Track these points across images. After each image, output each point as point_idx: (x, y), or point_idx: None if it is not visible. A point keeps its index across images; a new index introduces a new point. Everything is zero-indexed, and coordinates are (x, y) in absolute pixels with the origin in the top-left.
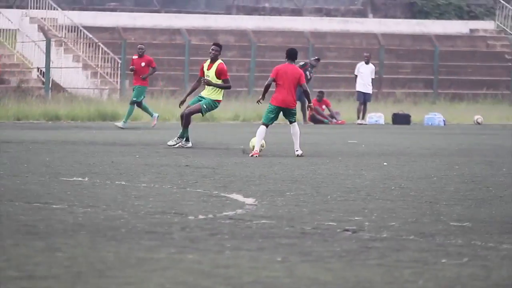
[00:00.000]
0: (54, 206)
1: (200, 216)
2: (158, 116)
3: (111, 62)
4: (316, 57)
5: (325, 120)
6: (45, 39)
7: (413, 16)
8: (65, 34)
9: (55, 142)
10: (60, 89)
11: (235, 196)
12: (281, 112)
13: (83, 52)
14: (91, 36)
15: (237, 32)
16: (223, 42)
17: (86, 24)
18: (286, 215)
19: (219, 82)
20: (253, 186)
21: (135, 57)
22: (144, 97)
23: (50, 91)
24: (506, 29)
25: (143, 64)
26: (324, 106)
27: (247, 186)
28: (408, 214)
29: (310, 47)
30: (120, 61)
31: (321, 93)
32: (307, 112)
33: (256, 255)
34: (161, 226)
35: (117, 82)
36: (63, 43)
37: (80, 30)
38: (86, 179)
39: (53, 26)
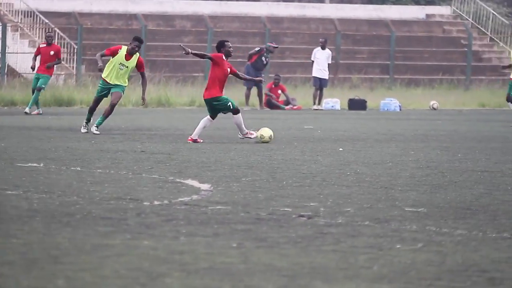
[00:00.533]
0: (9, 192)
1: (156, 202)
2: (29, 110)
3: (67, 48)
4: (275, 45)
5: (281, 105)
6: (0, 24)
7: (370, 2)
8: (21, 19)
9: (10, 128)
10: (16, 74)
11: (190, 182)
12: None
13: (39, 37)
14: (47, 21)
15: (193, 17)
16: (180, 27)
17: (42, 9)
18: (241, 201)
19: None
20: (208, 172)
21: (43, 45)
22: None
23: (5, 76)
24: (462, 14)
25: (52, 52)
26: (279, 91)
27: (202, 171)
28: (364, 200)
29: (266, 32)
30: (76, 47)
31: (278, 76)
32: (263, 97)
33: (212, 241)
34: (116, 212)
35: (73, 67)
36: (19, 28)
37: (36, 15)
38: (41, 165)
39: (9, 11)
